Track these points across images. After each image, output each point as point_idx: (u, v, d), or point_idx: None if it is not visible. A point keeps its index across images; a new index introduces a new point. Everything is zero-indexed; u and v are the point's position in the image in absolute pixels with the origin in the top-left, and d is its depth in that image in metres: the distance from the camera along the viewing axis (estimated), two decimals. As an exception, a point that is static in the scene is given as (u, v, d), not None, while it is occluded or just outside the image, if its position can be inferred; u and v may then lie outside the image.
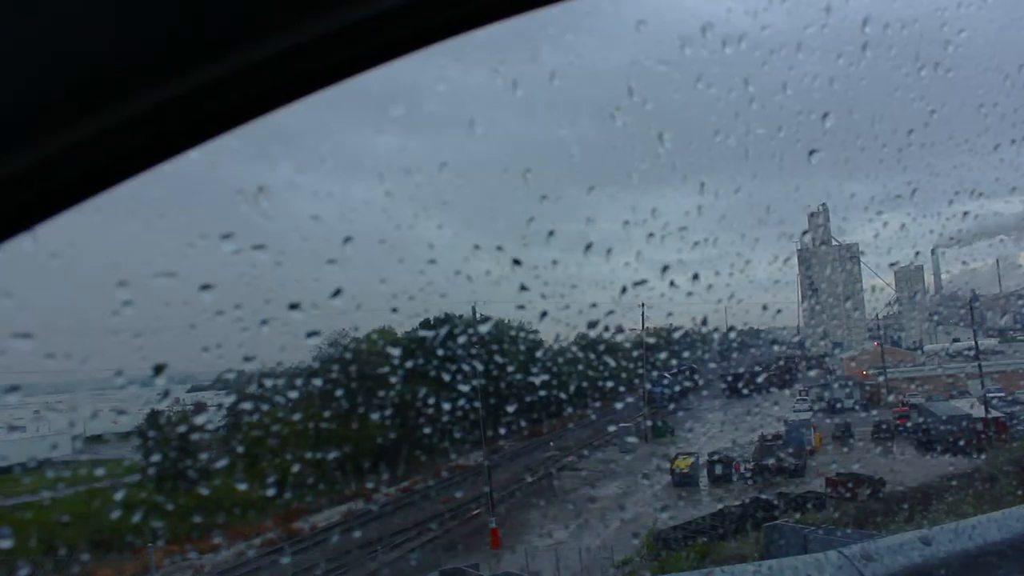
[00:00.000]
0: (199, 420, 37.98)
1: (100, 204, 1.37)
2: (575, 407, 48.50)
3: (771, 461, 42.97)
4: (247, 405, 30.25)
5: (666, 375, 52.47)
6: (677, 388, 53.12)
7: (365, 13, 1.21)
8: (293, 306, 8.02)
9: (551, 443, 48.25)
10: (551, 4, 1.40)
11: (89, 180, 1.33)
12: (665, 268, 14.26)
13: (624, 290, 15.70)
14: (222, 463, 35.99)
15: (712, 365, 55.24)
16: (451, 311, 34.99)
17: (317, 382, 33.38)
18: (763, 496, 36.08)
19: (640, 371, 43.56)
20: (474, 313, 35.78)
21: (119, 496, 31.32)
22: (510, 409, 36.49)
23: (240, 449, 31.67)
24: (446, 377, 25.63)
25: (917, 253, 65.60)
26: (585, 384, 40.11)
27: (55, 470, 39.55)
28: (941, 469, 36.32)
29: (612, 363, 37.42)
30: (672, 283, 15.70)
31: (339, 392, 31.87)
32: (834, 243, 67.87)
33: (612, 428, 48.16)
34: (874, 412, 51.00)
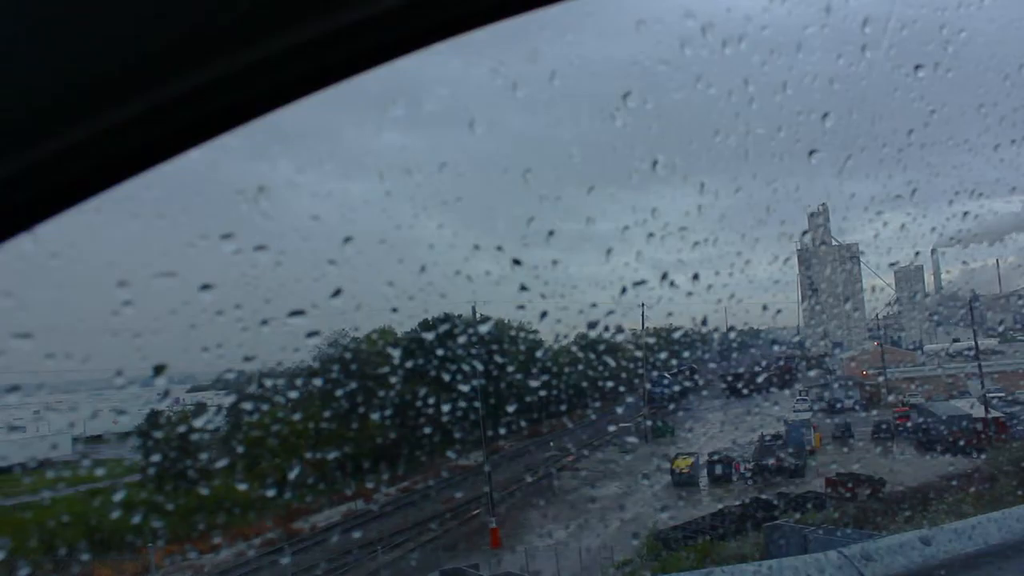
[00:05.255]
0: (199, 422, 37.98)
1: (100, 204, 1.38)
2: (575, 407, 48.49)
3: (771, 461, 42.97)
4: (247, 405, 30.27)
5: (666, 375, 52.45)
6: (677, 388, 53.10)
7: (365, 13, 1.21)
8: (295, 313, 8.04)
9: (551, 443, 48.23)
10: (551, 4, 1.40)
11: (89, 180, 1.33)
12: (664, 275, 14.34)
13: (624, 290, 15.74)
14: (222, 463, 36.00)
15: (712, 365, 55.17)
16: (451, 311, 35.00)
17: (317, 382, 33.38)
18: (763, 496, 36.08)
19: (640, 371, 43.53)
20: (474, 313, 35.80)
21: (119, 496, 31.30)
22: (510, 409, 36.48)
23: (240, 449, 31.68)
24: (446, 377, 25.61)
25: (917, 253, 65.55)
26: (585, 384, 40.10)
27: (55, 470, 39.53)
28: (941, 469, 36.33)
29: (612, 363, 37.41)
30: (672, 283, 15.72)
31: (339, 392, 31.87)
32: (834, 243, 67.89)
33: (612, 428, 48.14)
34: (874, 412, 50.98)
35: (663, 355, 43.82)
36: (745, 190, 23.28)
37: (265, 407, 30.67)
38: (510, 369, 33.62)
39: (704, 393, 57.56)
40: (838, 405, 55.43)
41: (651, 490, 42.65)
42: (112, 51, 1.16)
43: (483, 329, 33.30)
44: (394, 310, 34.30)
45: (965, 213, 29.68)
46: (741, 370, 58.93)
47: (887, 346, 65.91)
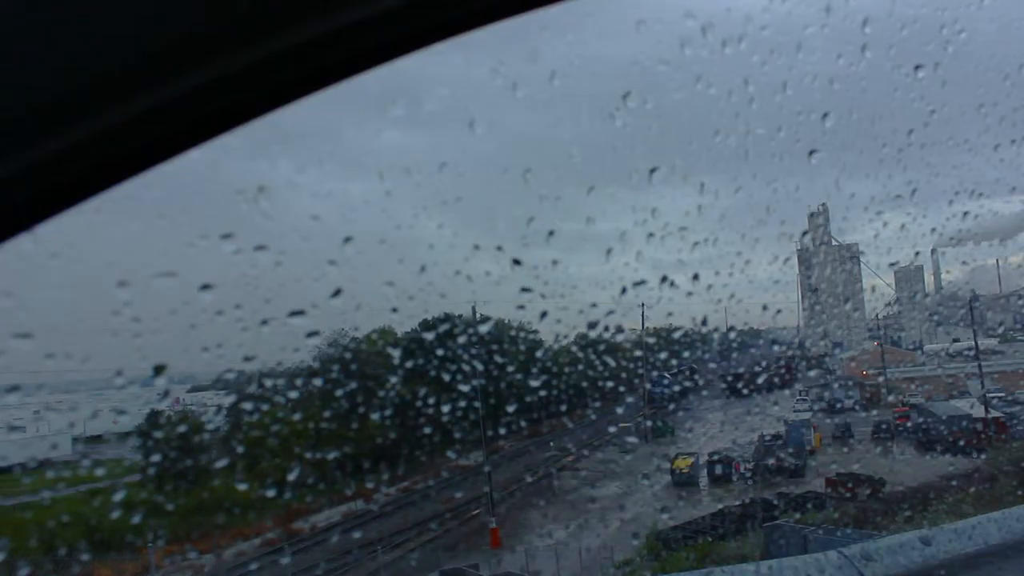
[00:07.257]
0: (199, 423, 37.99)
1: (100, 204, 1.37)
2: (575, 407, 48.49)
3: (771, 461, 42.95)
4: (247, 405, 30.29)
5: (666, 375, 52.45)
6: (677, 388, 53.10)
7: (365, 13, 1.21)
8: (295, 313, 8.05)
9: (551, 443, 48.22)
10: (551, 4, 1.40)
11: (89, 180, 1.33)
12: (664, 277, 14.42)
13: (624, 290, 15.79)
14: (222, 463, 36.00)
15: (712, 365, 55.17)
16: (451, 311, 35.00)
17: (317, 382, 33.39)
18: (763, 496, 36.06)
19: (640, 371, 43.53)
20: (474, 313, 35.80)
21: (119, 496, 31.31)
22: (510, 409, 36.47)
23: (240, 449, 31.69)
24: (446, 377, 25.61)
25: (917, 253, 65.52)
26: (585, 384, 40.09)
27: (55, 470, 39.54)
28: (941, 469, 36.33)
29: (612, 363, 37.40)
30: (672, 283, 15.75)
31: (339, 392, 31.88)
32: (834, 243, 67.89)
33: (612, 428, 48.12)
34: (874, 412, 50.96)
35: (663, 355, 43.83)
36: (745, 190, 23.32)
37: (265, 407, 30.68)
38: (510, 369, 33.63)
39: (704, 393, 57.54)
40: (838, 405, 55.41)
41: (651, 490, 42.64)
42: (112, 51, 1.16)
43: (483, 329, 33.31)
44: (394, 310, 34.34)
45: (965, 213, 29.76)
46: (741, 370, 58.92)
47: (887, 346, 65.91)
